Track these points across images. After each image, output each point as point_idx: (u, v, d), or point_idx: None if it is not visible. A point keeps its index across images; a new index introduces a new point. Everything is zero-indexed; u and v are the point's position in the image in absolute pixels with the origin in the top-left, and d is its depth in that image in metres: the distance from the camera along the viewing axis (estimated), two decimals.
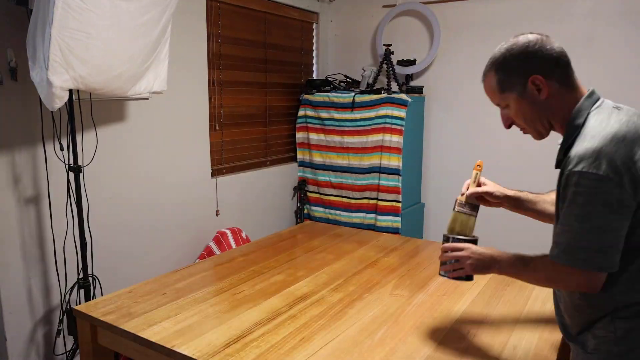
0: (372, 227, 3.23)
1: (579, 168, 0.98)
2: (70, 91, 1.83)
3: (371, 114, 3.18)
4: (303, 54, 3.61)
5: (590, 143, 0.99)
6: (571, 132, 1.07)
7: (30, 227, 2.04)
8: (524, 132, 1.19)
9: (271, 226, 3.39)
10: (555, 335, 1.43)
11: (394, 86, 3.38)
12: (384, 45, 3.34)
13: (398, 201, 3.17)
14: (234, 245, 2.84)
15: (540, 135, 1.17)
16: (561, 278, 1.06)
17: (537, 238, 3.16)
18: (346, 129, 3.29)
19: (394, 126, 3.13)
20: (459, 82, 3.33)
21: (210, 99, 2.86)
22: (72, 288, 2.12)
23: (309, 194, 3.56)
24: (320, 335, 1.41)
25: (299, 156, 3.57)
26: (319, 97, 3.38)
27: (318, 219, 3.50)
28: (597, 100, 1.10)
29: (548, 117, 1.13)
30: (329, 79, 3.57)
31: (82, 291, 2.10)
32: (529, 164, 3.16)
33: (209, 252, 2.76)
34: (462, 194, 1.54)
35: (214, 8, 2.83)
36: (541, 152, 3.12)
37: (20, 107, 1.93)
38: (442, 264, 1.33)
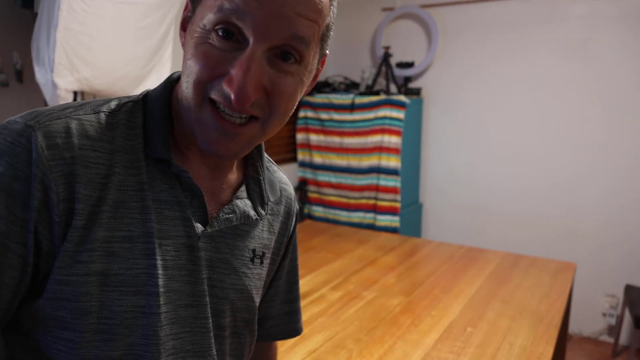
0: (371, 227, 3.26)
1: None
2: (75, 93, 1.86)
3: (370, 115, 3.21)
4: None
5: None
6: (261, 150, 0.70)
7: None
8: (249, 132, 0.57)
9: None
10: (550, 332, 1.46)
11: (393, 88, 3.41)
12: (383, 47, 3.37)
13: (397, 201, 3.20)
14: None
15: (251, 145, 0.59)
16: None
17: (536, 235, 3.20)
18: (346, 130, 3.32)
19: (392, 127, 3.16)
20: (456, 84, 3.37)
21: None
22: None
23: (309, 194, 3.58)
24: (320, 333, 1.44)
25: (300, 157, 3.60)
26: (319, 98, 3.41)
27: (318, 218, 3.53)
28: None
29: None
30: (329, 80, 3.60)
31: None
32: (526, 165, 3.19)
33: None
34: None
35: None
36: (540, 153, 3.15)
37: (25, 108, 1.96)
38: None
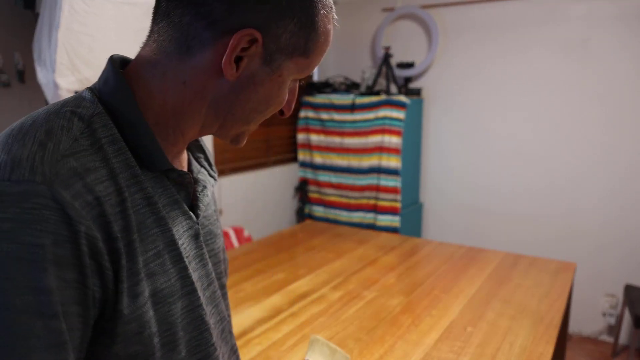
0: (371, 227, 3.26)
1: None
2: (76, 93, 1.87)
3: (370, 115, 3.22)
4: None
5: None
6: None
7: None
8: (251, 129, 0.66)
9: (273, 225, 3.42)
10: (550, 332, 1.46)
11: (393, 88, 3.41)
12: (383, 48, 3.37)
13: (397, 201, 3.20)
14: (236, 244, 2.88)
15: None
16: None
17: (536, 236, 3.20)
18: (346, 130, 3.32)
19: (393, 127, 3.16)
20: (456, 84, 3.37)
21: None
22: None
23: (309, 194, 3.59)
24: (321, 333, 1.44)
25: (300, 157, 3.60)
26: (319, 98, 3.41)
27: (319, 218, 3.53)
28: None
29: None
30: (329, 81, 3.61)
31: None
32: (526, 165, 3.19)
33: None
34: None
35: None
36: (540, 153, 3.16)
37: (27, 108, 1.97)
38: None
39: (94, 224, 0.48)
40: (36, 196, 0.45)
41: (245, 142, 0.65)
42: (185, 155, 0.66)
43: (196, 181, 0.66)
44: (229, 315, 0.71)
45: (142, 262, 0.53)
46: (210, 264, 0.66)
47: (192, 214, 0.62)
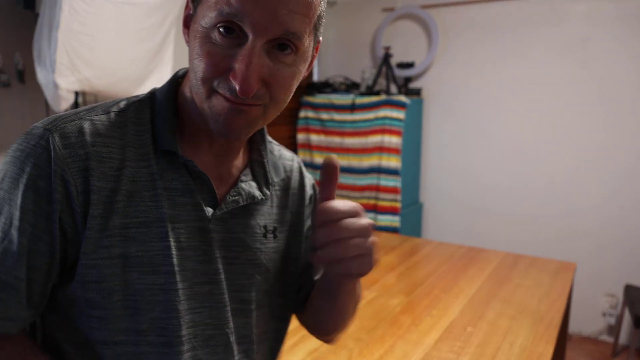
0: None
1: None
2: (76, 93, 1.87)
3: (370, 115, 3.22)
4: None
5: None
6: (263, 134, 0.74)
7: None
8: (247, 122, 0.59)
9: None
10: (550, 332, 1.46)
11: (393, 88, 3.41)
12: (383, 48, 3.37)
13: (397, 201, 3.21)
14: None
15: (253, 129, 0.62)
16: None
17: (536, 236, 3.20)
18: (346, 130, 3.32)
19: (393, 127, 3.16)
20: (456, 84, 3.37)
21: None
22: None
23: None
24: None
25: (300, 157, 3.60)
26: (319, 99, 3.41)
27: None
28: None
29: None
30: (329, 81, 3.61)
31: None
32: (526, 165, 3.19)
33: None
34: None
35: None
36: (540, 153, 3.16)
37: (27, 108, 1.97)
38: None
39: (76, 172, 0.57)
40: (39, 138, 0.56)
41: (237, 127, 0.58)
42: (236, 165, 0.70)
43: (235, 186, 0.69)
44: (236, 333, 0.68)
45: (122, 224, 0.58)
46: (218, 265, 0.65)
47: (207, 209, 0.64)
